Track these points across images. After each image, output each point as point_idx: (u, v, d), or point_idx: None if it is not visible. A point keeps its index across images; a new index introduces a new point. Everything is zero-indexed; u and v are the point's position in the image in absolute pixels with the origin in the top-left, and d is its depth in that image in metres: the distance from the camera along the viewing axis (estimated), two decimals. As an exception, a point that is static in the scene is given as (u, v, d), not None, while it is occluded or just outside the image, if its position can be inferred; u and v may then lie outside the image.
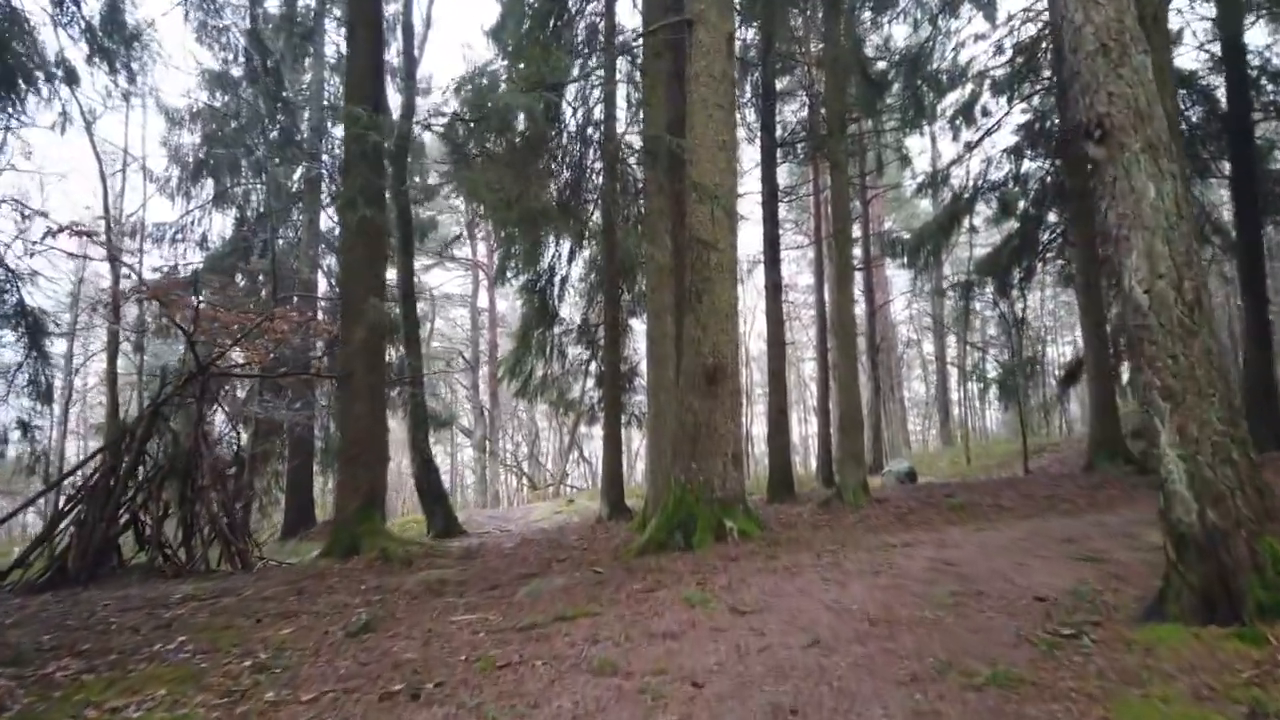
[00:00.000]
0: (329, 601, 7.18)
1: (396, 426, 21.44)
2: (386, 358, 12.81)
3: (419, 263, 30.26)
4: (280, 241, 20.52)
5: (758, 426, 34.84)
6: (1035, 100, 20.91)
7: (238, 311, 12.11)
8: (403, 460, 27.22)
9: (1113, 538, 7.24)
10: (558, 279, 17.18)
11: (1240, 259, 17.87)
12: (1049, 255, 21.49)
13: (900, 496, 14.33)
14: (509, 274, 16.21)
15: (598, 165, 16.79)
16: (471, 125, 9.28)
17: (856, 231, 24.10)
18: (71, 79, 13.83)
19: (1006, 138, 21.10)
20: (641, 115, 14.69)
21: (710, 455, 8.39)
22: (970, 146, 20.51)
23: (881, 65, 20.07)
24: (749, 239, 32.92)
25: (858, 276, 27.53)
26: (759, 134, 16.87)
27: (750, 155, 24.25)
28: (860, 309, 26.40)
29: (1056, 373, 22.95)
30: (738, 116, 18.09)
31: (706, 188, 8.11)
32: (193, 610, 7.26)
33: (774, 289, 16.28)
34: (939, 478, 22.32)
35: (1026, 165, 20.97)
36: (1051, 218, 21.05)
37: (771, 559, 7.10)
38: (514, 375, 16.16)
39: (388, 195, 16.91)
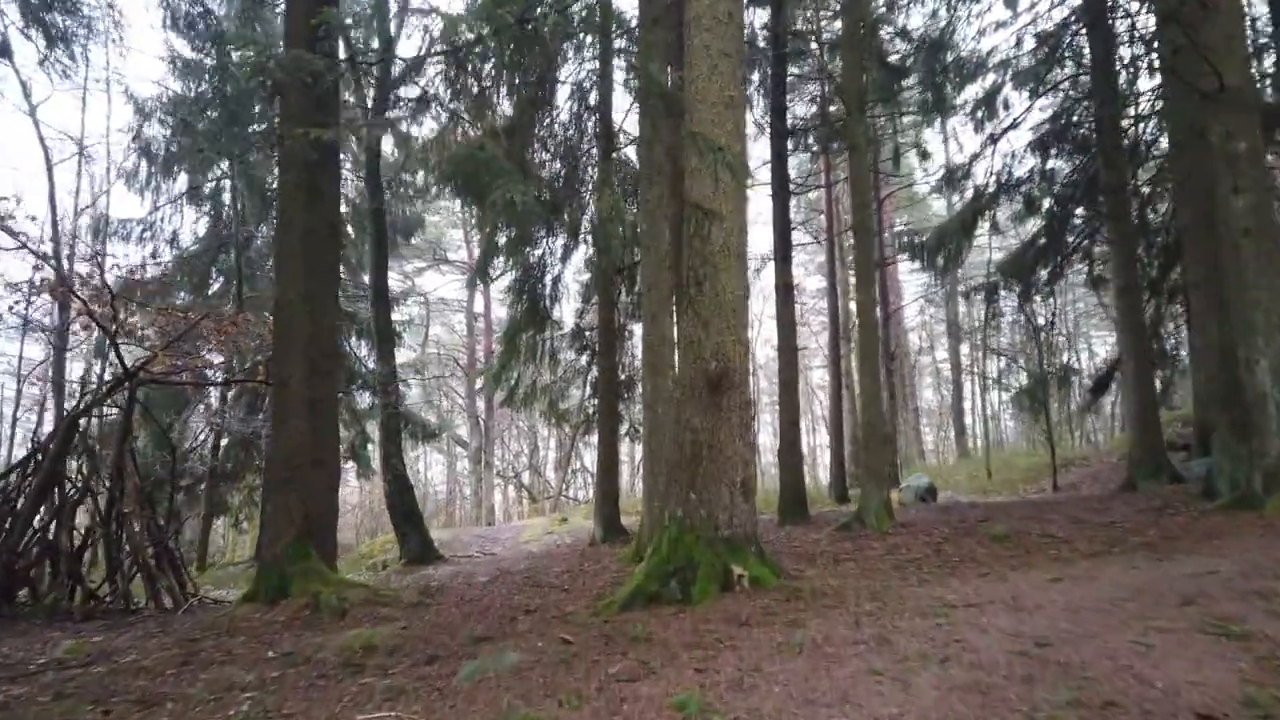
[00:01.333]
0: (214, 679, 5.36)
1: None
2: (343, 363, 10.99)
3: (411, 265, 28.61)
4: (258, 240, 18.83)
5: (763, 436, 33.00)
6: (1062, 90, 19.18)
7: (160, 309, 10.35)
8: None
9: (1240, 597, 5.38)
10: (549, 278, 15.40)
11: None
12: (1074, 257, 19.66)
13: (928, 519, 12.48)
14: (491, 270, 14.44)
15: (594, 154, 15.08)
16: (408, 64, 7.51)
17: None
18: (4, 52, 12.16)
19: (1025, 134, 19.27)
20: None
21: (714, 483, 6.57)
22: (994, 138, 18.71)
23: (897, 56, 18.33)
24: (754, 239, 31.13)
25: (870, 280, 25.70)
26: (769, 121, 15.06)
27: (759, 154, 22.56)
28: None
29: (1085, 381, 21.06)
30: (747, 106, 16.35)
31: (708, 140, 6.31)
32: (40, 688, 5.45)
33: (785, 289, 14.46)
34: (959, 493, 20.44)
35: (1052, 160, 19.26)
36: (1078, 219, 19.29)
37: (794, 625, 5.27)
38: (499, 383, 14.36)
39: (360, 184, 15.19)
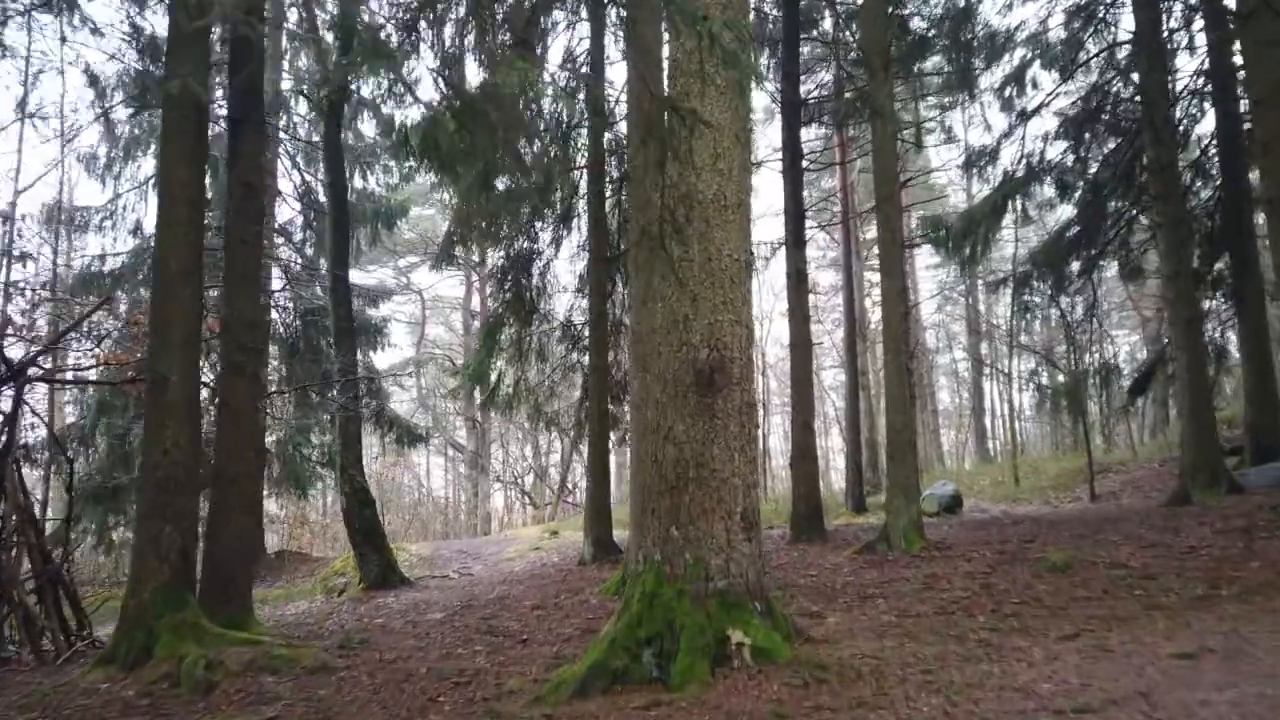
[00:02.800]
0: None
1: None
2: (263, 360, 9.09)
3: (405, 260, 26.77)
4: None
5: (774, 439, 30.93)
6: (1097, 65, 17.22)
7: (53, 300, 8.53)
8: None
9: None
10: (537, 266, 13.50)
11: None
12: (1110, 247, 17.63)
13: (963, 538, 10.52)
14: (460, 257, 12.53)
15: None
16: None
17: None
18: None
19: (1053, 121, 17.22)
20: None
21: (704, 515, 4.66)
22: (1025, 116, 16.72)
23: (921, 28, 16.39)
24: (763, 229, 29.13)
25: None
26: (780, 90, 13.12)
27: (769, 139, 20.74)
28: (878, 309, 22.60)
29: (1124, 381, 18.98)
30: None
31: (686, 6, 4.37)
32: None
33: (798, 276, 12.54)
34: (984, 502, 18.42)
35: (1086, 144, 17.27)
36: (1113, 207, 17.30)
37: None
38: (478, 382, 12.44)
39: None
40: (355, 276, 21.44)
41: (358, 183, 17.40)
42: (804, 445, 12.33)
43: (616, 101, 13.32)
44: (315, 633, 7.45)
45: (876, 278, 23.47)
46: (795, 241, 12.62)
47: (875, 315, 23.57)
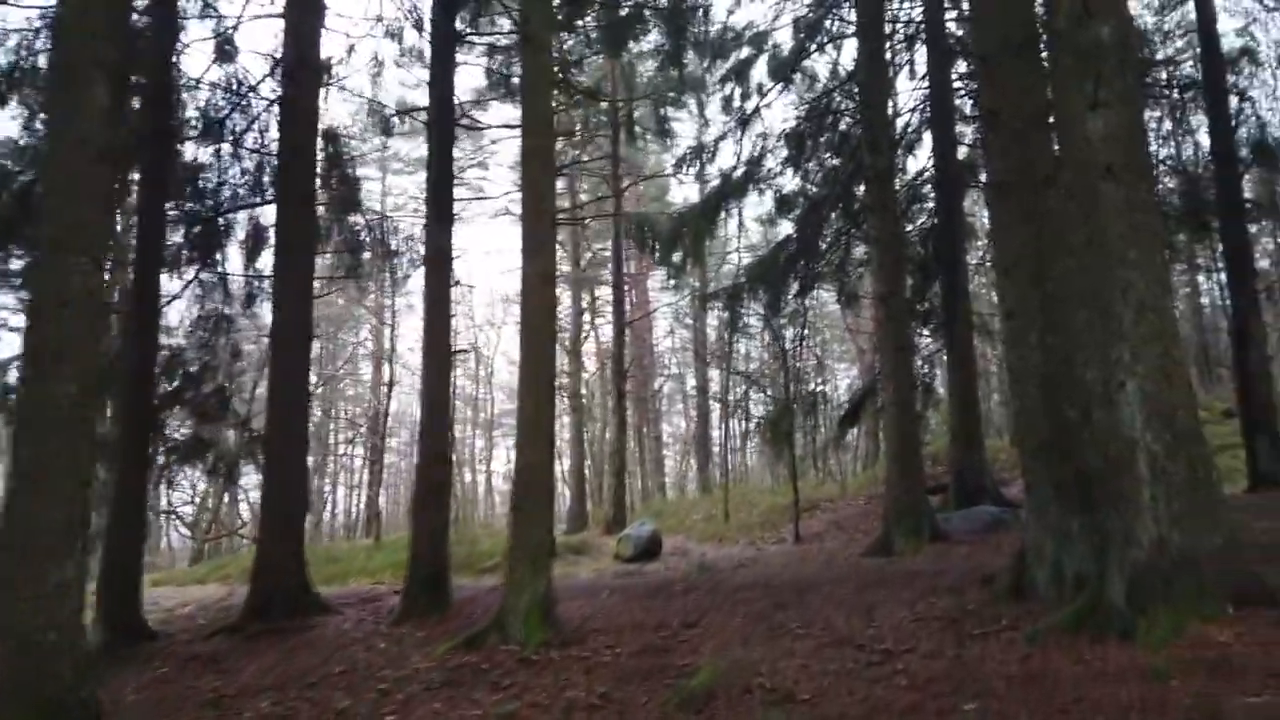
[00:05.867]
0: None
1: None
2: None
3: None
4: None
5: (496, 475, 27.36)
6: (821, 67, 15.47)
7: None
8: None
9: None
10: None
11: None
12: (827, 269, 15.82)
13: (611, 618, 7.41)
14: None
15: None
16: None
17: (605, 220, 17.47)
18: None
19: (774, 137, 15.25)
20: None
21: None
22: (745, 118, 14.48)
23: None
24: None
25: (606, 288, 20.98)
26: (431, 14, 9.58)
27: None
28: (609, 327, 19.79)
29: (833, 411, 17.20)
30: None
31: None
32: None
33: (436, 262, 9.05)
34: (691, 540, 15.90)
35: (808, 158, 15.36)
36: (832, 228, 15.51)
37: None
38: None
39: None
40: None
41: None
42: (431, 484, 8.77)
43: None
44: None
45: (604, 290, 20.67)
46: (438, 216, 9.12)
47: (597, 326, 20.51)
